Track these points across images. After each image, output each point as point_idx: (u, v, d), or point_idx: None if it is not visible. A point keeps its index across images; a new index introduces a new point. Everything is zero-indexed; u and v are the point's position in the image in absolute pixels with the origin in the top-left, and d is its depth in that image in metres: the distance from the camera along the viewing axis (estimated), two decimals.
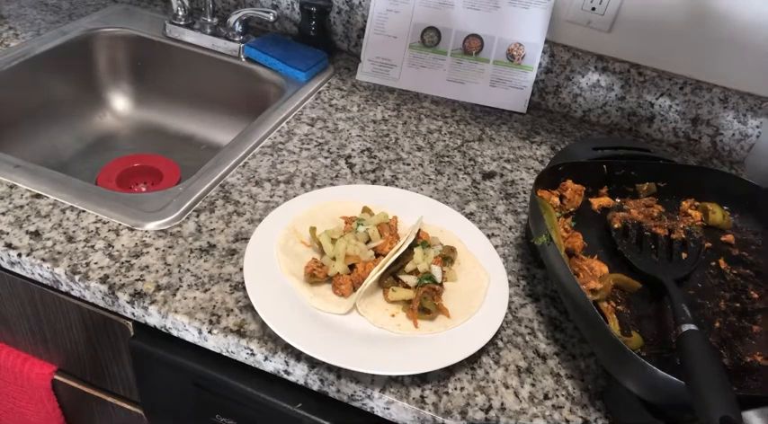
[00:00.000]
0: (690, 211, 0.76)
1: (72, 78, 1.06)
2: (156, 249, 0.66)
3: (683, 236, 0.71)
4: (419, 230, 0.68)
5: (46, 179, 0.72)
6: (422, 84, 1.07)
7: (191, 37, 1.07)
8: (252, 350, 0.59)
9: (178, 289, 0.62)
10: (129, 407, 0.81)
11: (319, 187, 0.80)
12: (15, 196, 0.70)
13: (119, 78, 1.11)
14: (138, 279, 0.63)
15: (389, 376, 0.58)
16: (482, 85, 1.06)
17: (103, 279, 0.62)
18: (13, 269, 0.66)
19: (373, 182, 0.83)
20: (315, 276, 0.64)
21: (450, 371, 0.59)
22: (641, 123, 1.07)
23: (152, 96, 1.12)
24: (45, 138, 1.00)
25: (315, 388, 0.59)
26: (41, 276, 0.64)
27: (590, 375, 0.61)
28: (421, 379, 0.58)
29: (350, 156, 0.87)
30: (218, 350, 0.61)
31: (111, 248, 0.66)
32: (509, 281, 0.68)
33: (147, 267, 0.64)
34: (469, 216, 0.80)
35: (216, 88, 1.09)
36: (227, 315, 0.61)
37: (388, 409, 0.57)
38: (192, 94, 1.11)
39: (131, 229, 0.68)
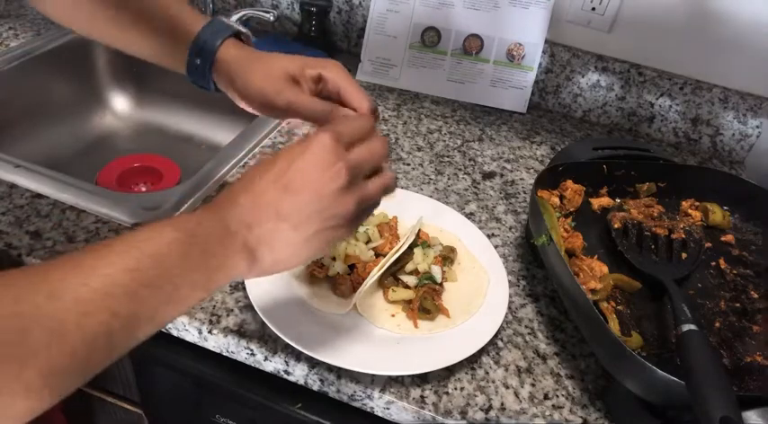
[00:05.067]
0: (690, 211, 0.76)
1: (72, 78, 1.06)
2: None
3: (683, 236, 0.71)
4: (419, 230, 0.68)
5: (46, 179, 0.72)
6: (422, 84, 1.07)
7: None
8: (252, 350, 0.59)
9: None
10: (129, 407, 0.81)
11: None
12: (15, 196, 0.70)
13: (119, 78, 1.11)
14: None
15: (389, 376, 0.58)
16: (482, 85, 1.06)
17: None
18: None
19: None
20: (315, 276, 0.64)
21: (450, 371, 0.59)
22: (641, 123, 1.07)
23: (152, 96, 1.12)
24: (45, 138, 1.00)
25: (315, 388, 0.59)
26: None
27: (590, 375, 0.61)
28: (421, 379, 0.58)
29: None
30: (218, 350, 0.61)
31: None
32: (509, 281, 0.68)
33: None
34: (469, 216, 0.80)
35: None
36: (227, 315, 0.61)
37: (388, 409, 0.57)
38: (192, 94, 1.10)
39: (131, 229, 0.68)
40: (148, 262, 0.36)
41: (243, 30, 0.58)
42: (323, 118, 0.54)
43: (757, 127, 1.01)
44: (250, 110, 0.58)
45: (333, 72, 0.56)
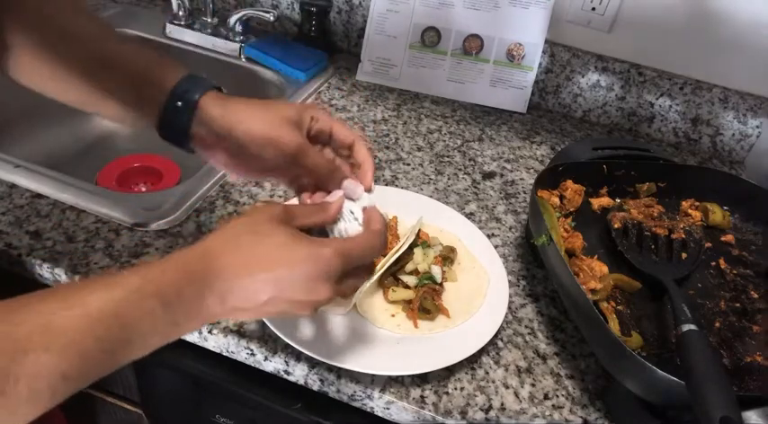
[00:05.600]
0: (690, 211, 0.76)
1: None
2: (156, 249, 0.66)
3: (683, 236, 0.71)
4: (419, 230, 0.68)
5: (46, 179, 0.72)
6: (422, 84, 1.07)
7: (191, 37, 1.07)
8: (252, 350, 0.59)
9: None
10: (129, 407, 0.81)
11: None
12: (15, 196, 0.70)
13: None
14: None
15: (389, 376, 0.58)
16: (482, 85, 1.06)
17: None
18: (13, 269, 0.66)
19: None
20: None
21: (450, 371, 0.59)
22: (641, 123, 1.07)
23: None
24: (45, 138, 1.00)
25: (315, 388, 0.59)
26: (41, 276, 0.64)
27: (590, 375, 0.61)
28: (421, 379, 0.58)
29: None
30: (218, 350, 0.61)
31: (111, 248, 0.66)
32: (509, 281, 0.68)
33: None
34: (469, 216, 0.80)
35: None
36: None
37: (388, 409, 0.57)
38: None
39: (131, 229, 0.68)
40: (117, 330, 0.36)
41: (223, 90, 0.55)
42: (325, 173, 0.52)
43: (757, 127, 1.01)
44: (232, 172, 0.54)
45: (322, 114, 0.55)
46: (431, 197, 0.80)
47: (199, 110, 0.51)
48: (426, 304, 0.62)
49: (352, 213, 0.51)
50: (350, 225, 0.50)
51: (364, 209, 0.51)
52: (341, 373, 0.57)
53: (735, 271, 0.71)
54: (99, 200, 0.71)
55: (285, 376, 0.60)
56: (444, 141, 0.95)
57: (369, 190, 0.53)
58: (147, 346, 0.39)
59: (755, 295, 0.68)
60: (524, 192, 0.87)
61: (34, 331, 0.33)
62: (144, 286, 0.38)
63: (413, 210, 0.73)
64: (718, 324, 0.64)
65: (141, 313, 0.37)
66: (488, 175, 0.89)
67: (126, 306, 0.37)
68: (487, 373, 0.60)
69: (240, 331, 0.59)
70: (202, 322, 0.42)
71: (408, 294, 0.63)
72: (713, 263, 0.71)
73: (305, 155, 0.51)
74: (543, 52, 1.04)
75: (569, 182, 0.74)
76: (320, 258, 0.43)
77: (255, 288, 0.42)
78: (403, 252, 0.63)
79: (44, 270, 0.63)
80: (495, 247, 0.73)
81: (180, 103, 0.51)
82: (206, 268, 0.41)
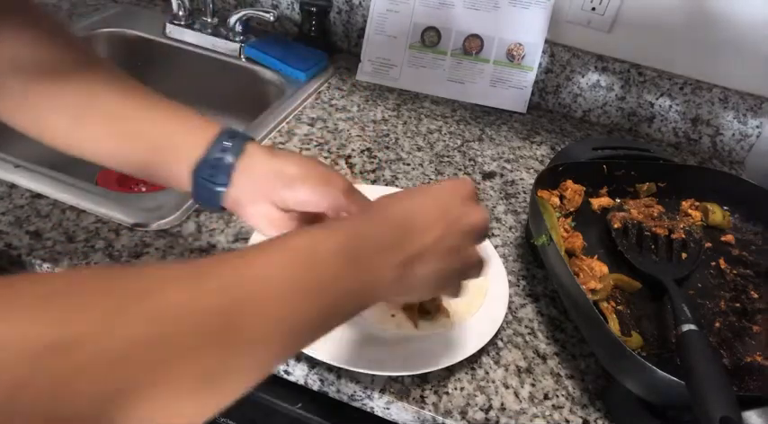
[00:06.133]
0: (690, 211, 0.76)
1: None
2: (156, 249, 0.66)
3: (683, 236, 0.71)
4: None
5: (46, 179, 0.72)
6: (422, 84, 1.07)
7: (191, 37, 1.07)
8: None
9: None
10: None
11: None
12: (15, 196, 0.70)
13: None
14: None
15: (389, 376, 0.58)
16: (482, 85, 1.06)
17: None
18: (13, 269, 0.66)
19: (373, 182, 0.83)
20: None
21: (450, 371, 0.59)
22: (641, 123, 1.07)
23: None
24: None
25: (315, 388, 0.59)
26: None
27: (590, 375, 0.61)
28: (421, 379, 0.58)
29: (350, 156, 0.87)
30: None
31: (111, 248, 0.66)
32: (509, 281, 0.68)
33: None
34: None
35: (216, 88, 1.09)
36: None
37: (388, 409, 0.57)
38: (192, 94, 1.10)
39: (131, 229, 0.68)
40: (312, 265, 0.36)
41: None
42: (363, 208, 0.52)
43: (757, 127, 1.01)
44: (272, 227, 0.51)
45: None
46: None
47: (245, 155, 0.50)
48: (426, 304, 0.62)
49: None
50: None
51: None
52: (341, 373, 0.57)
53: (735, 271, 0.71)
54: (99, 200, 0.71)
55: (285, 376, 0.60)
56: (444, 141, 0.95)
57: None
58: (340, 292, 0.38)
59: (755, 295, 0.68)
60: (524, 192, 0.87)
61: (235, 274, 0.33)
62: (317, 233, 0.38)
63: None
64: (718, 324, 0.64)
65: (327, 253, 0.37)
66: (488, 175, 0.89)
67: (312, 247, 0.37)
68: (487, 373, 0.60)
69: None
70: (391, 266, 0.40)
71: None
72: (713, 263, 0.71)
73: (355, 193, 0.51)
74: (543, 52, 1.04)
75: (569, 182, 0.74)
76: (458, 181, 0.47)
77: (426, 217, 0.43)
78: None
79: (44, 270, 0.63)
80: (495, 247, 0.73)
81: (224, 150, 0.50)
82: (378, 209, 0.44)
